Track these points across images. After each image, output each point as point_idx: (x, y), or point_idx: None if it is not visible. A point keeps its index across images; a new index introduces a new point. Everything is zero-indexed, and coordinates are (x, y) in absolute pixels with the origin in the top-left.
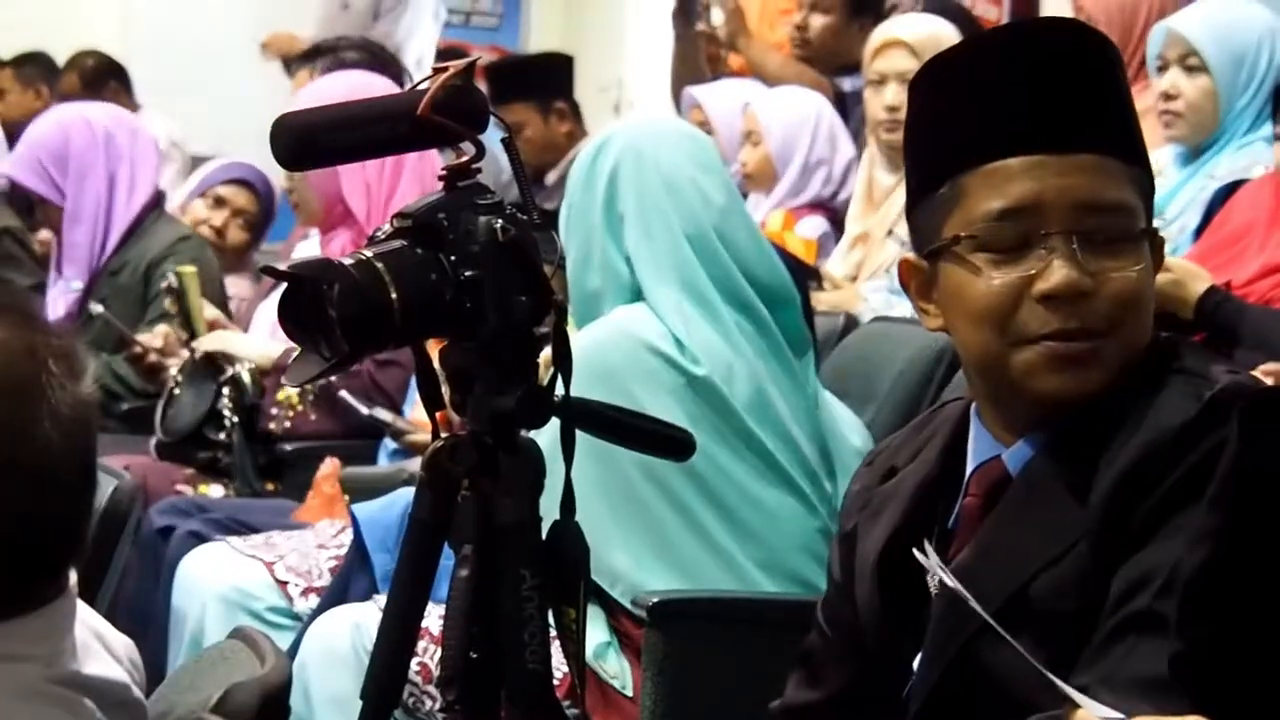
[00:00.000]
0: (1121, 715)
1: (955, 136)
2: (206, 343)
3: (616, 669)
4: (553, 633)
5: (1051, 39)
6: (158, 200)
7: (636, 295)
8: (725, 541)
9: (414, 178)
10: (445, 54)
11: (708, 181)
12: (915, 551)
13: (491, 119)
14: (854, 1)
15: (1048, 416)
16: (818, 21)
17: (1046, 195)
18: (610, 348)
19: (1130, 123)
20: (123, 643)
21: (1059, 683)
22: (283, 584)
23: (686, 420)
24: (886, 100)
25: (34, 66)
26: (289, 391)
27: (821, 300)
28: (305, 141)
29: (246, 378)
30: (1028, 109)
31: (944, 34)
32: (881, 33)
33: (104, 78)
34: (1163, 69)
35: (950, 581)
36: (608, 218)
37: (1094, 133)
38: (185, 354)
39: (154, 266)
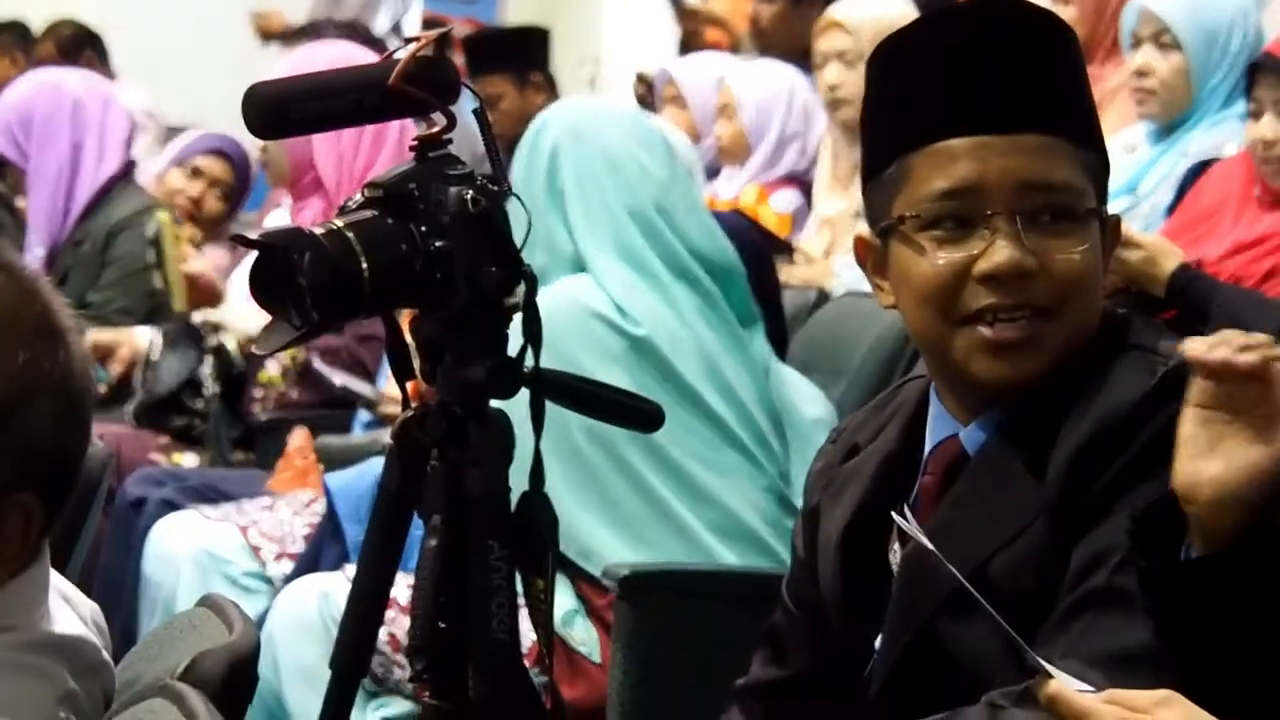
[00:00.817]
0: (1092, 688)
1: (902, 117)
2: (205, 315)
3: (584, 636)
4: (521, 601)
5: (998, 19)
6: (127, 171)
7: (580, 270)
8: (675, 504)
9: (396, 154)
10: (424, 26)
11: (648, 157)
12: (894, 514)
13: (466, 90)
14: None
15: (996, 399)
16: (765, 10)
17: (989, 175)
18: (554, 314)
19: (1081, 103)
20: (88, 606)
21: (1031, 654)
22: (256, 548)
23: (631, 384)
24: (826, 80)
25: (10, 35)
26: (270, 373)
27: (794, 275)
28: (276, 111)
29: (233, 346)
30: (970, 89)
31: (889, 15)
32: (824, 16)
33: (80, 46)
34: (1136, 46)
35: (928, 545)
36: (550, 193)
37: (1039, 113)
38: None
39: (113, 235)
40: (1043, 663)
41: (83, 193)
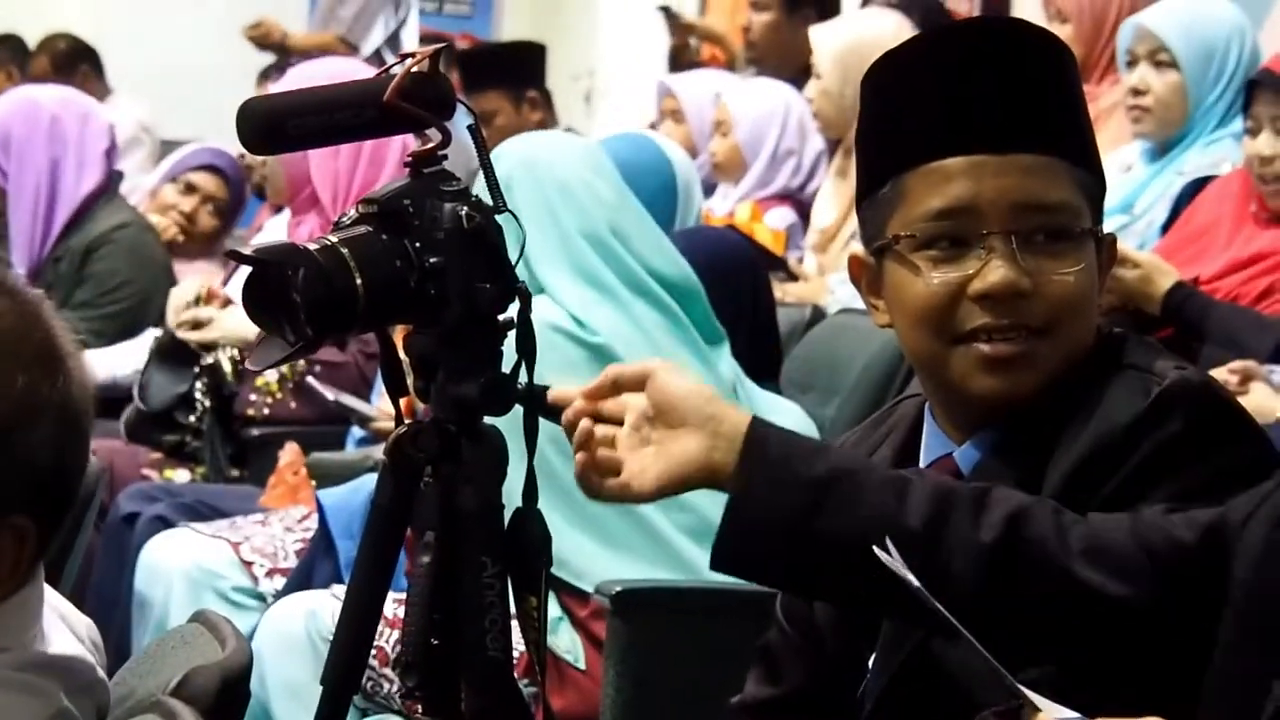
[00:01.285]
0: (1078, 716)
1: (897, 136)
2: (191, 334)
3: (569, 644)
4: (512, 612)
5: (994, 38)
6: (108, 185)
7: (537, 292)
8: (646, 508)
9: (397, 173)
10: (421, 42)
11: (600, 183)
12: (876, 550)
13: (461, 106)
14: None
15: (991, 417)
16: (758, 20)
17: (985, 195)
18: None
19: (1077, 122)
20: (84, 623)
21: (1015, 683)
22: (248, 564)
23: None
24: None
25: (5, 49)
26: (268, 378)
27: (789, 292)
28: (271, 127)
29: (227, 365)
30: (966, 108)
31: (847, 34)
32: None
33: (75, 61)
34: (1132, 64)
35: (913, 581)
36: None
37: (1035, 132)
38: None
39: (90, 252)
40: (1027, 692)
41: (62, 210)
